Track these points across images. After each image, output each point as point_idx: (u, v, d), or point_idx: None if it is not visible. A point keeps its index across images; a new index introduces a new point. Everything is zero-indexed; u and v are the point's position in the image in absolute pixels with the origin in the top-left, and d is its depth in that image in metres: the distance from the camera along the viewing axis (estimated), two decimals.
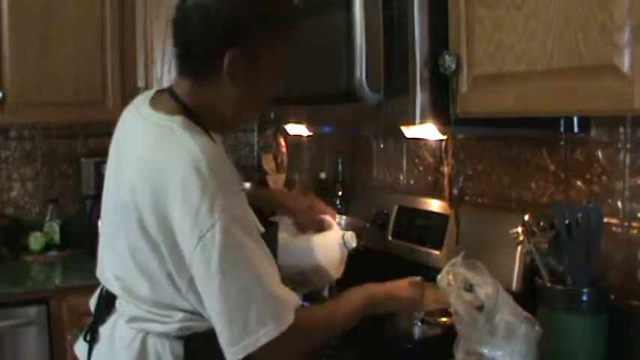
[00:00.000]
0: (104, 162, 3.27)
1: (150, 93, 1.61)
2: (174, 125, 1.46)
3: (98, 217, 3.18)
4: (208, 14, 1.45)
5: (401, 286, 1.72)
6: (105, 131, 3.60)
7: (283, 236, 1.78)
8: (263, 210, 1.72)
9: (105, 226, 1.63)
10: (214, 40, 1.46)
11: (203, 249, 1.35)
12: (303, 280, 1.74)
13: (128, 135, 1.58)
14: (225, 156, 1.48)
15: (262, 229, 1.48)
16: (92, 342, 1.64)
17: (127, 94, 3.23)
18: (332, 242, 1.83)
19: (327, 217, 1.91)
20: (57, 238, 3.34)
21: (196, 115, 1.51)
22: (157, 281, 1.46)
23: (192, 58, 1.51)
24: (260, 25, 1.48)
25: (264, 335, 1.36)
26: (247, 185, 2.84)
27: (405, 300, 1.71)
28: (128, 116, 1.61)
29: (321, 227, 1.90)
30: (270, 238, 1.53)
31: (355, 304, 1.59)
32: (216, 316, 1.38)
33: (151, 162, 1.44)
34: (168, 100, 1.53)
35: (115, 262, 1.56)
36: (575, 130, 1.81)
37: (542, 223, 1.71)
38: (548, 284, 1.65)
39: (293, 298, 1.44)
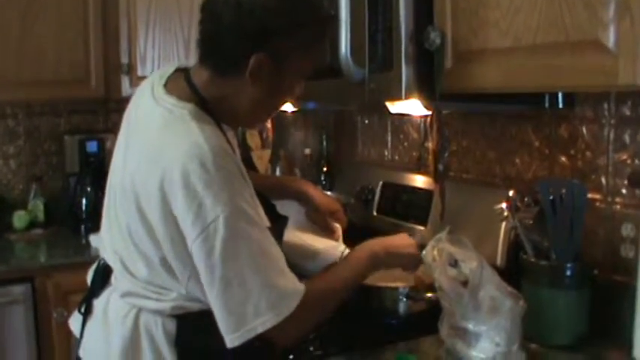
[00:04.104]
0: (88, 139, 3.35)
1: (168, 71, 1.57)
2: (184, 112, 1.44)
3: (82, 194, 3.25)
4: (241, 12, 1.40)
5: (399, 242, 1.78)
6: (88, 108, 3.60)
7: (295, 233, 1.90)
8: (270, 196, 1.71)
9: (109, 197, 1.60)
10: (243, 40, 1.41)
11: (205, 240, 1.36)
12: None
13: (140, 113, 1.55)
14: (230, 149, 1.45)
15: (268, 224, 1.46)
16: (86, 315, 1.64)
17: (110, 70, 3.20)
18: (334, 253, 1.94)
19: (339, 228, 2.02)
20: (41, 216, 3.32)
21: (209, 105, 1.49)
22: (153, 264, 1.46)
23: (218, 52, 1.47)
24: (292, 32, 1.43)
25: (260, 325, 1.37)
26: None
27: (405, 256, 1.76)
28: (143, 93, 1.56)
29: (330, 233, 2.01)
30: (276, 232, 1.52)
31: (359, 265, 1.65)
32: (215, 304, 1.39)
33: (156, 150, 1.42)
34: (184, 85, 1.51)
35: (115, 235, 1.55)
36: (560, 106, 1.81)
37: (526, 199, 1.72)
38: (533, 259, 1.66)
39: (297, 288, 1.43)
